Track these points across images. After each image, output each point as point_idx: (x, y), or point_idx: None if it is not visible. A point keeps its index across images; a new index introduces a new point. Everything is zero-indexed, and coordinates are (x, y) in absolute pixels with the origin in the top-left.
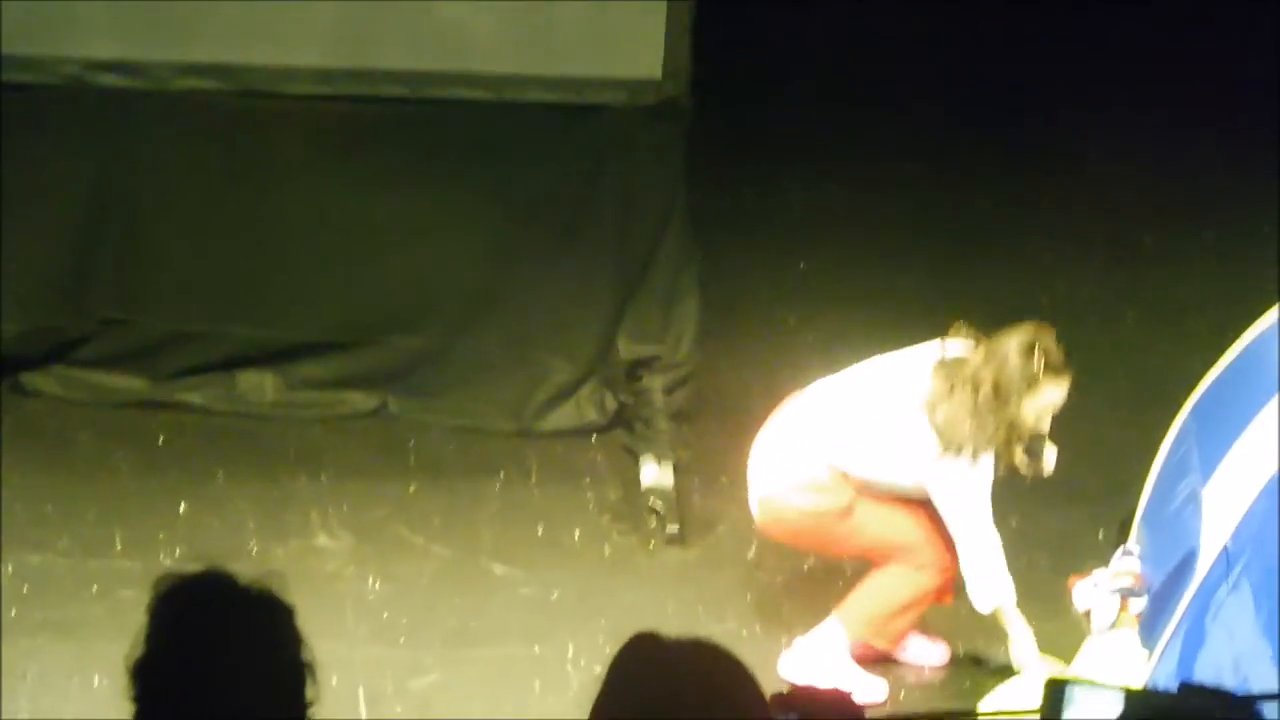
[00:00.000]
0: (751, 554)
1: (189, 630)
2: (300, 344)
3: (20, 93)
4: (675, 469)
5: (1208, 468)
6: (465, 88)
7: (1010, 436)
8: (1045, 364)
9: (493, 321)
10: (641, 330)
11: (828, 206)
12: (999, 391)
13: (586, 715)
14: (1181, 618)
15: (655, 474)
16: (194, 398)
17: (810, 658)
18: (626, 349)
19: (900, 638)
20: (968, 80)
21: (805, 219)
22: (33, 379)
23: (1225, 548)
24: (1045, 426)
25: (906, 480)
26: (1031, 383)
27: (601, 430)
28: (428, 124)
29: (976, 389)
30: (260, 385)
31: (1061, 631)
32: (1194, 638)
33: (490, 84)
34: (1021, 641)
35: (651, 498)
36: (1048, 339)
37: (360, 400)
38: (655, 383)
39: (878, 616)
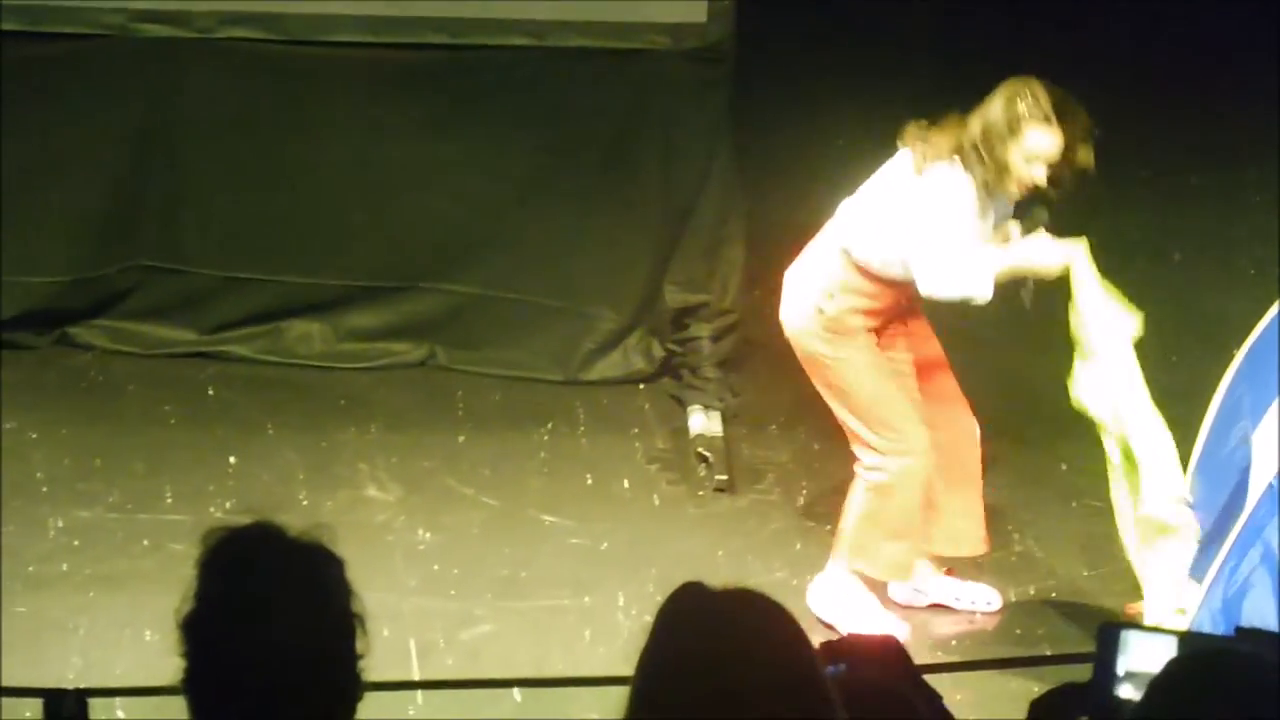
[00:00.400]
0: (801, 502)
1: (239, 583)
2: (347, 292)
3: (65, 43)
4: (723, 417)
5: (1258, 411)
6: (507, 34)
7: (1001, 179)
8: (1029, 110)
9: (538, 270)
10: (688, 278)
11: (875, 149)
12: (985, 137)
13: (635, 665)
14: (1228, 554)
15: (703, 422)
16: (242, 349)
17: (824, 600)
18: (673, 297)
19: (900, 567)
20: (1014, 17)
21: (852, 162)
22: (80, 331)
23: (1271, 484)
24: (1041, 180)
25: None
26: (1014, 128)
27: (649, 379)
28: (471, 71)
29: (963, 137)
30: (308, 336)
31: (1114, 576)
32: (1239, 574)
33: (533, 30)
34: (1025, 253)
35: (700, 446)
36: (1033, 87)
37: (408, 350)
38: (702, 330)
39: (861, 539)
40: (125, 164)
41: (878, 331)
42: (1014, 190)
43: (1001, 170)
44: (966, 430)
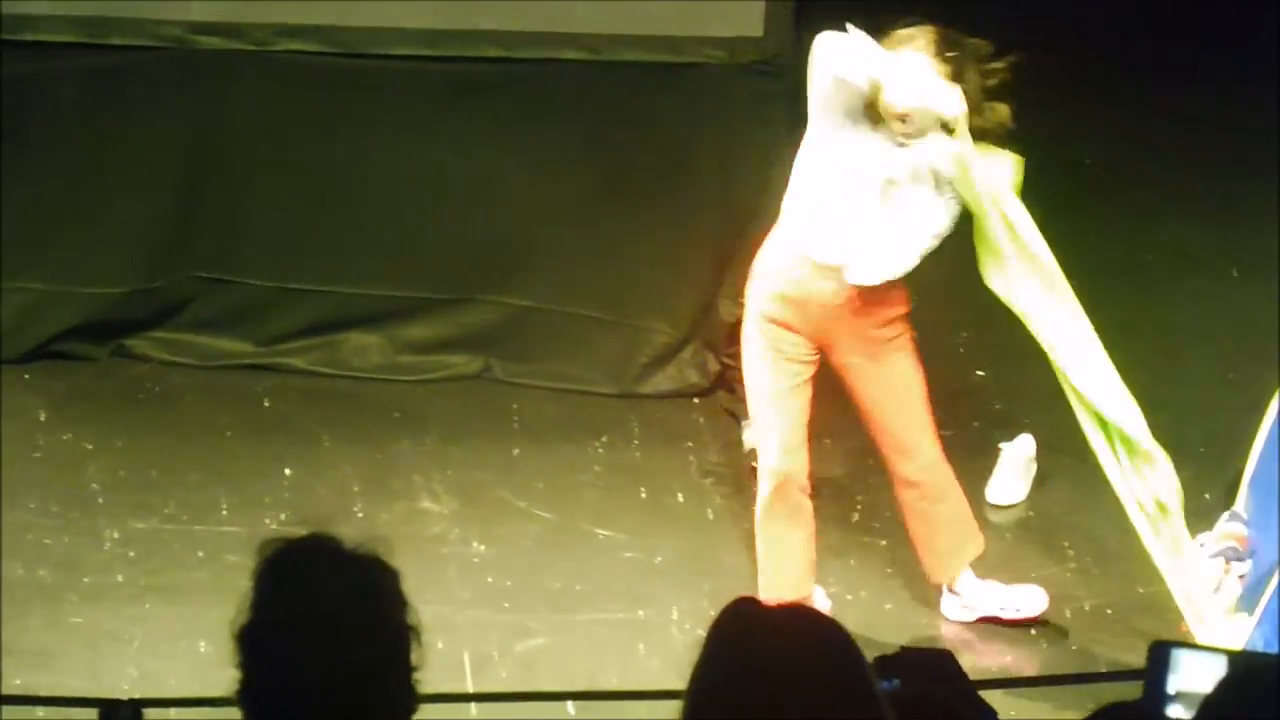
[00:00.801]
0: (855, 517)
1: (294, 595)
2: (403, 304)
3: (122, 55)
4: None
5: None
6: (563, 47)
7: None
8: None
9: (594, 284)
10: (742, 291)
11: None
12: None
13: (688, 679)
14: None
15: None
16: (298, 361)
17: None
18: (728, 310)
19: (790, 583)
20: (1073, 34)
21: None
22: (136, 343)
23: None
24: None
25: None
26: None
27: (703, 393)
28: (527, 84)
29: None
30: (364, 348)
31: (1169, 593)
32: None
33: (588, 44)
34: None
35: (754, 461)
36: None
37: (464, 363)
38: None
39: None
40: (182, 176)
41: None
42: (892, 118)
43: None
44: (931, 461)
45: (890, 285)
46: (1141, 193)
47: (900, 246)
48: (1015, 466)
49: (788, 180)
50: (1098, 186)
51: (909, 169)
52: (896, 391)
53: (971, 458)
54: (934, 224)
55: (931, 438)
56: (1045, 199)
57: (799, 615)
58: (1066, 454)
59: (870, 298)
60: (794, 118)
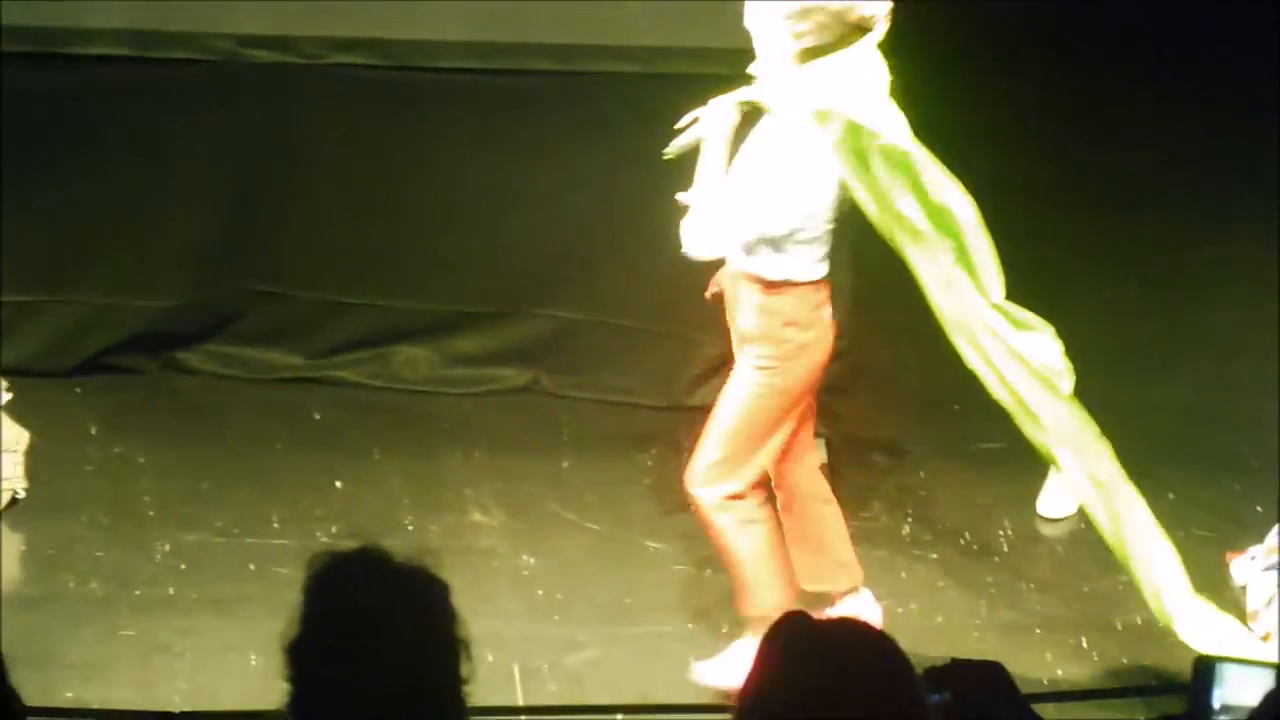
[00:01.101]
0: (906, 530)
1: (344, 608)
2: (452, 317)
3: (174, 68)
4: (827, 445)
5: None
6: (614, 60)
7: None
8: None
9: (642, 296)
10: None
11: (977, 176)
12: None
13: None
14: None
15: None
16: (348, 374)
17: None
18: None
19: (769, 595)
20: (1124, 43)
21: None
22: (187, 356)
23: None
24: None
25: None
26: None
27: None
28: (576, 96)
29: None
30: (414, 361)
31: (1220, 606)
32: None
33: (639, 56)
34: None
35: None
36: None
37: (513, 376)
38: None
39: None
40: (233, 189)
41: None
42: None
43: None
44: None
45: (774, 294)
46: (1190, 203)
47: (727, 222)
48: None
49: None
50: (1144, 196)
51: (776, 147)
52: (724, 401)
53: (1026, 471)
54: (772, 208)
55: (738, 476)
56: (1091, 208)
57: (850, 628)
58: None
59: (747, 294)
60: None
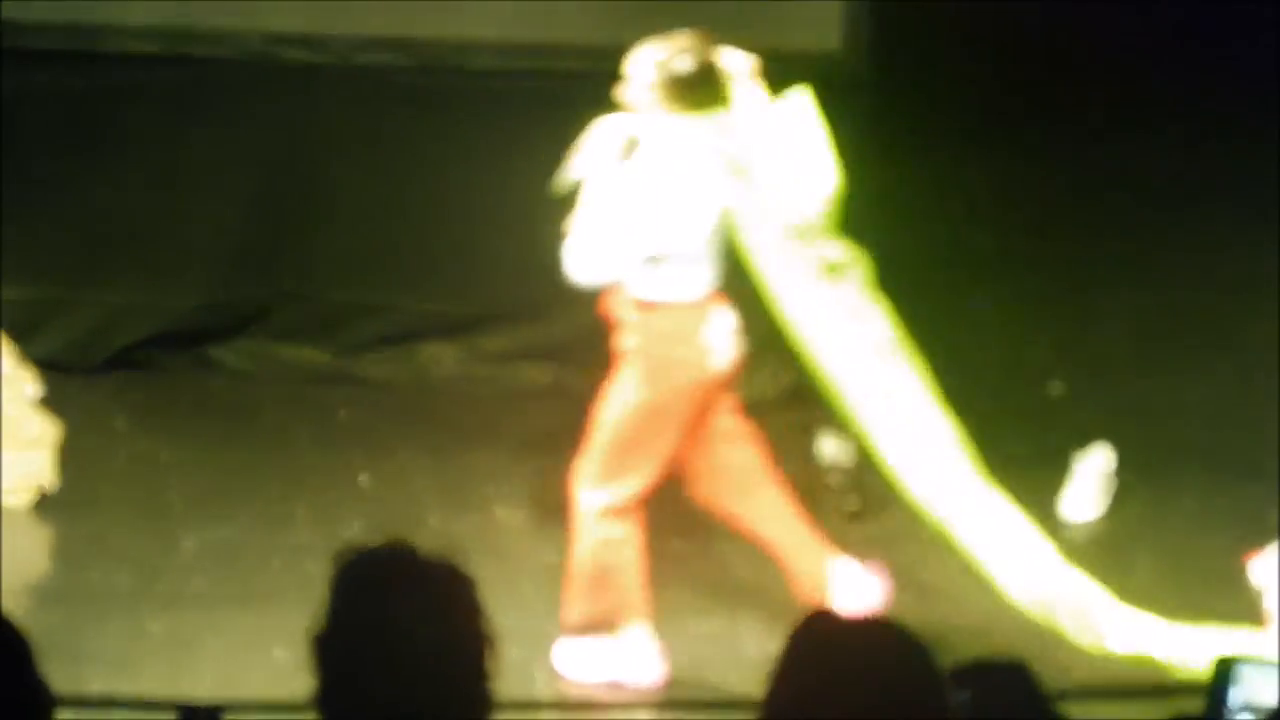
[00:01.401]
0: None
1: (370, 603)
2: (478, 317)
3: (204, 67)
4: (854, 445)
5: None
6: None
7: None
8: None
9: None
10: None
11: (1008, 186)
12: None
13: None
14: None
15: (834, 449)
16: (375, 371)
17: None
18: None
19: (614, 609)
20: (1144, 57)
21: (984, 197)
22: (216, 353)
23: None
24: None
25: None
26: None
27: (779, 406)
28: (603, 97)
29: None
30: (440, 359)
31: (1239, 610)
32: None
33: None
34: None
35: (830, 473)
36: None
37: (537, 373)
38: None
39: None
40: (262, 188)
41: None
42: None
43: None
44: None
45: (648, 313)
46: (1219, 208)
47: (609, 246)
48: (1089, 480)
49: (862, 195)
50: (1172, 201)
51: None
52: (602, 413)
53: (1052, 474)
54: (646, 229)
55: (614, 488)
56: (1116, 217)
57: (874, 627)
58: (1136, 469)
59: (625, 312)
60: (872, 132)
